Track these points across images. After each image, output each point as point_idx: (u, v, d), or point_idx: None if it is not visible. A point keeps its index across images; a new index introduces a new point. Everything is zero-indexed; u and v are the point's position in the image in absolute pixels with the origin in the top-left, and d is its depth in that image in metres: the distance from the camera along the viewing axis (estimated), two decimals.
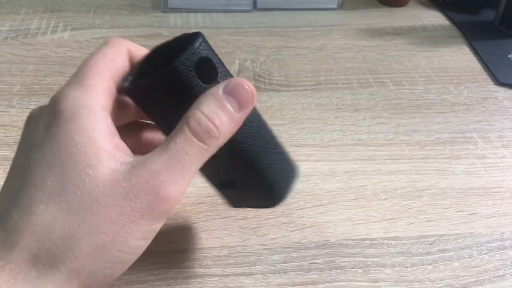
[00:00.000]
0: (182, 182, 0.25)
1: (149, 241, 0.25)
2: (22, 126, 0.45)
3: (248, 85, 0.26)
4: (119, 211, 0.23)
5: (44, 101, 0.49)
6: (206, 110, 0.25)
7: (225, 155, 0.27)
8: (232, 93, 0.26)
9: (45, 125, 0.25)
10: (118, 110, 0.28)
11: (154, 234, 0.25)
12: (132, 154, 0.26)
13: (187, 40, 0.27)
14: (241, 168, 0.29)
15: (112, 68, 0.27)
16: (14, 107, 0.48)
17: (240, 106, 0.26)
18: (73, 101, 0.25)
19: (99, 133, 0.24)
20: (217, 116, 0.25)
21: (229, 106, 0.25)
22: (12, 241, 0.23)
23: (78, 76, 0.26)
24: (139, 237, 0.24)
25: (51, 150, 0.24)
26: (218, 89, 0.25)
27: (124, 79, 0.28)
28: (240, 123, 0.26)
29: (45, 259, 0.23)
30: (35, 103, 0.49)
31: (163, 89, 0.26)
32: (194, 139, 0.25)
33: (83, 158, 0.24)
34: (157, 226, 0.25)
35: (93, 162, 0.24)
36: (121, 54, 0.28)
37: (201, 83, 0.26)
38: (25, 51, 0.58)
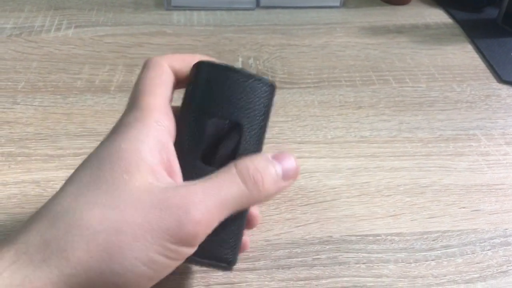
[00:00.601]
0: (214, 214, 0.24)
1: (170, 263, 0.24)
2: (27, 122, 0.46)
3: (295, 160, 0.28)
4: (145, 216, 0.23)
5: (48, 98, 0.49)
6: (257, 164, 0.26)
7: None
8: (280, 160, 0.27)
9: (102, 140, 0.26)
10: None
11: (177, 259, 0.24)
12: (180, 182, 0.26)
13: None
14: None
15: (161, 87, 0.28)
16: (19, 104, 0.48)
17: (284, 175, 0.27)
18: (130, 117, 0.26)
19: (147, 146, 0.25)
20: (266, 172, 0.26)
21: (277, 169, 0.27)
22: (29, 226, 0.23)
23: (132, 101, 0.27)
24: (159, 251, 0.23)
25: (97, 154, 0.25)
26: (268, 155, 0.27)
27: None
28: (280, 192, 0.27)
29: (56, 246, 0.22)
30: (39, 100, 0.49)
31: None
32: (238, 179, 0.25)
33: (123, 163, 0.24)
34: (180, 250, 0.24)
35: (131, 170, 0.24)
36: (164, 72, 0.29)
37: None
38: (29, 49, 0.58)
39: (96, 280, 0.22)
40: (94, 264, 0.22)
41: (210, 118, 0.28)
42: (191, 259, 0.26)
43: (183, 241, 0.23)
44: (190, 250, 0.24)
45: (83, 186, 0.24)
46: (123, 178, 0.23)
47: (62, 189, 0.25)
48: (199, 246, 0.25)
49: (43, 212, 0.24)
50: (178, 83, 0.30)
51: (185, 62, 0.30)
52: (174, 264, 0.24)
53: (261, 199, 0.26)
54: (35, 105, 0.48)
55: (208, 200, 0.24)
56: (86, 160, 0.26)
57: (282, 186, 0.27)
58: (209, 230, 0.24)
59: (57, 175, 0.40)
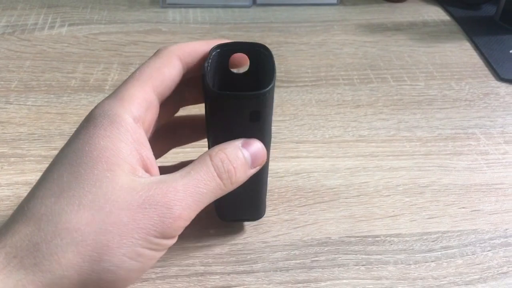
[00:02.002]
0: (193, 209, 0.26)
1: (155, 254, 0.25)
2: (20, 122, 0.45)
3: (263, 148, 0.29)
4: (131, 216, 0.24)
5: (42, 97, 0.48)
6: (229, 154, 0.28)
7: None
8: (248, 147, 0.29)
9: (76, 130, 0.26)
10: (157, 119, 0.29)
11: (161, 250, 0.26)
12: (157, 173, 0.27)
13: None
14: (250, 182, 0.30)
15: (156, 79, 0.28)
16: (12, 104, 0.48)
17: (253, 163, 0.29)
18: (107, 109, 0.26)
19: (126, 145, 0.25)
20: (238, 163, 0.28)
21: (246, 157, 0.28)
22: (15, 228, 0.23)
23: (120, 87, 0.27)
24: (145, 245, 0.24)
25: (75, 150, 0.25)
26: (239, 141, 0.29)
27: (203, 66, 0.28)
28: (247, 177, 0.29)
29: (46, 249, 0.22)
30: (32, 99, 0.48)
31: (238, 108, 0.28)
32: (215, 174, 0.27)
33: (105, 161, 0.24)
34: (163, 242, 0.25)
35: (113, 168, 0.24)
36: (169, 64, 0.28)
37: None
38: (23, 47, 0.57)
39: (88, 279, 0.23)
40: (85, 264, 0.23)
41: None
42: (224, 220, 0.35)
43: (166, 235, 0.25)
44: (172, 241, 0.26)
45: (65, 184, 0.24)
46: (106, 176, 0.24)
47: (41, 186, 0.24)
48: (229, 212, 0.34)
49: (27, 214, 0.23)
50: (189, 72, 0.30)
51: (198, 53, 0.30)
52: (158, 255, 0.26)
53: (232, 188, 0.28)
54: (28, 105, 0.47)
55: (188, 197, 0.25)
56: (62, 154, 0.25)
57: (250, 173, 0.29)
58: (188, 223, 0.26)
59: None
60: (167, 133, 0.33)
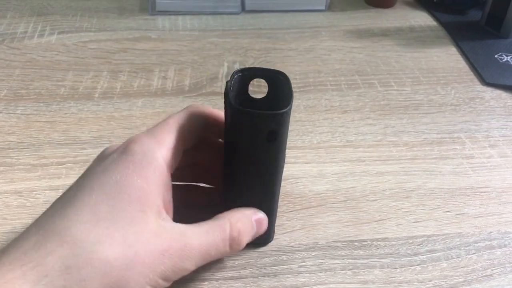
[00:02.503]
0: (198, 264, 0.29)
1: None
2: (9, 131, 0.45)
3: (266, 219, 0.34)
4: (152, 259, 0.26)
5: (31, 106, 0.49)
6: (244, 227, 0.31)
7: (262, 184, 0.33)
8: (257, 219, 0.33)
9: (112, 158, 0.28)
10: (178, 167, 0.32)
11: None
12: (171, 214, 0.30)
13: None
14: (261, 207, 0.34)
15: (183, 132, 0.31)
16: (1, 113, 0.48)
17: (258, 230, 0.33)
18: (146, 148, 0.28)
19: (157, 188, 0.28)
20: (247, 236, 0.32)
21: (254, 232, 0.33)
22: (48, 247, 0.24)
23: (155, 128, 0.30)
24: (152, 284, 0.26)
25: (113, 182, 0.27)
26: (251, 212, 0.33)
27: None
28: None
29: (77, 275, 0.24)
30: (22, 108, 0.48)
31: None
32: (228, 243, 0.30)
33: (139, 201, 0.27)
34: (164, 284, 0.27)
35: (145, 209, 0.27)
36: (197, 122, 0.32)
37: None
38: (12, 55, 0.57)
39: None
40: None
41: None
42: None
43: (169, 280, 0.28)
44: (169, 284, 0.28)
45: (101, 214, 0.26)
46: (138, 216, 0.26)
47: (76, 207, 0.26)
48: None
49: (63, 235, 0.25)
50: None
51: (217, 120, 0.33)
52: None
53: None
54: (17, 113, 0.48)
55: (199, 256, 0.28)
56: (99, 181, 0.27)
57: (252, 236, 0.33)
58: (185, 274, 0.29)
59: (40, 185, 0.40)
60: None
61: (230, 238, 0.30)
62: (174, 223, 0.29)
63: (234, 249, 0.31)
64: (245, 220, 0.32)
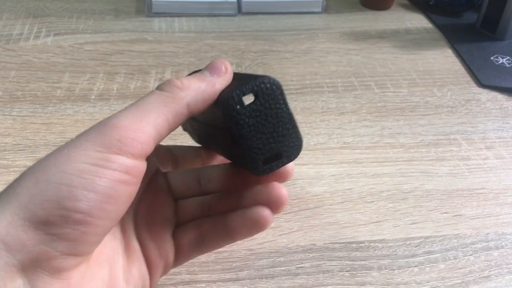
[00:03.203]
0: (143, 126, 0.24)
1: (103, 171, 0.22)
2: (5, 133, 0.45)
3: (223, 61, 0.28)
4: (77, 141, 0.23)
5: (27, 107, 0.48)
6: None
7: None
8: (209, 67, 0.27)
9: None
10: None
11: (108, 167, 0.22)
12: None
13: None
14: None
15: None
16: None
17: (211, 72, 0.27)
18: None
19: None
20: (185, 78, 0.26)
21: (202, 71, 0.27)
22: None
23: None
24: (84, 161, 0.22)
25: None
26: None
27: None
28: (214, 86, 0.26)
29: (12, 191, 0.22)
30: (18, 109, 0.48)
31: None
32: (156, 90, 0.25)
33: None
34: (108, 157, 0.23)
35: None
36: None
37: None
38: (7, 57, 0.57)
39: (33, 209, 0.21)
40: (28, 196, 0.22)
41: None
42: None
43: (107, 148, 0.23)
44: (119, 159, 0.23)
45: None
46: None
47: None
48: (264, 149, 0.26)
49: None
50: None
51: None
52: (103, 171, 0.22)
53: (190, 93, 0.25)
54: (13, 115, 0.47)
55: (132, 119, 0.24)
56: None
57: (210, 80, 0.26)
58: (148, 146, 0.24)
59: None
60: None
61: (158, 88, 0.26)
62: None
63: (176, 89, 0.25)
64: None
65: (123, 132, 0.23)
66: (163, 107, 0.25)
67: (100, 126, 0.23)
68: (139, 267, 0.28)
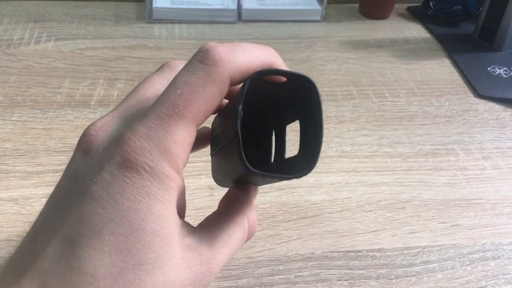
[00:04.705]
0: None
1: None
2: (5, 138, 0.45)
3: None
4: None
5: (27, 112, 0.49)
6: (255, 218, 0.29)
7: None
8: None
9: (110, 173, 0.21)
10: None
11: None
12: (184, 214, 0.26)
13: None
14: None
15: (204, 114, 0.23)
16: None
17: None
18: (153, 166, 0.21)
19: (174, 206, 0.22)
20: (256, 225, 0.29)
21: None
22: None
23: (162, 127, 0.21)
24: None
25: (124, 217, 0.21)
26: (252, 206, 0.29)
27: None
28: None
29: None
30: (18, 115, 0.48)
31: None
32: (245, 237, 0.27)
33: (159, 233, 0.22)
34: None
35: (170, 239, 0.22)
36: (220, 95, 0.23)
37: None
38: (8, 62, 0.57)
39: None
40: None
41: None
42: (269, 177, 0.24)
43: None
44: None
45: (121, 264, 0.21)
46: (164, 252, 0.22)
47: (85, 256, 0.20)
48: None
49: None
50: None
51: (249, 71, 0.24)
52: None
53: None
54: (13, 120, 0.48)
55: (224, 261, 0.25)
56: (106, 215, 0.21)
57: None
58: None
59: (36, 193, 0.40)
60: None
61: (249, 237, 0.27)
62: (195, 232, 0.24)
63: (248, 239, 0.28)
64: (254, 212, 0.28)
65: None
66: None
67: (206, 275, 0.24)
68: None
